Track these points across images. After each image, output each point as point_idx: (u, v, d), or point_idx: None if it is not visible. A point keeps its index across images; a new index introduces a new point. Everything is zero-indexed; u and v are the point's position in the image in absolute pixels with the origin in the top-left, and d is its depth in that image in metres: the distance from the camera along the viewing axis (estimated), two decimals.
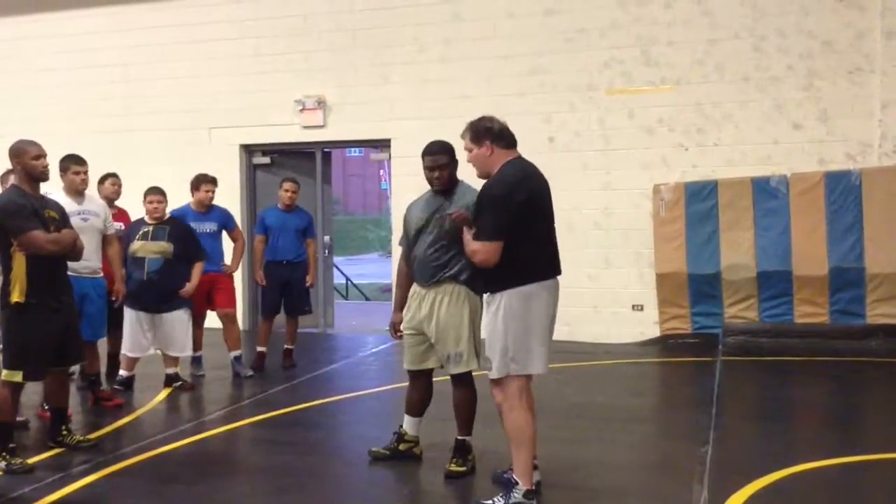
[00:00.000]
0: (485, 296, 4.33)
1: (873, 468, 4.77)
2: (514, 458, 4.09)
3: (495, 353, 4.03)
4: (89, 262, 5.92)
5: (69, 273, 5.29)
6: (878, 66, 8.44)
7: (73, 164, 5.99)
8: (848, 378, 7.34)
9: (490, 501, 4.04)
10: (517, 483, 4.04)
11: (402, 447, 4.88)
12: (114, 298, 6.30)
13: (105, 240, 6.17)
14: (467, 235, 4.12)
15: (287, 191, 7.73)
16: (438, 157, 4.56)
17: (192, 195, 7.32)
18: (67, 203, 5.76)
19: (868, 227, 8.21)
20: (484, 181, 4.16)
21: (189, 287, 6.77)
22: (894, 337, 8.15)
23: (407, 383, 4.91)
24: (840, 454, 4.89)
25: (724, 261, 8.63)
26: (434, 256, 4.55)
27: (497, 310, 4.02)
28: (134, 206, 7.13)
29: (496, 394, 4.11)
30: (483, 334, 4.19)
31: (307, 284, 7.81)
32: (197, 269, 6.83)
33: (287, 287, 7.71)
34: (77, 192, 6.00)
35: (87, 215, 5.98)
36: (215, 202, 7.46)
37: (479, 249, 3.99)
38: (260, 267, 7.77)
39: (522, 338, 3.98)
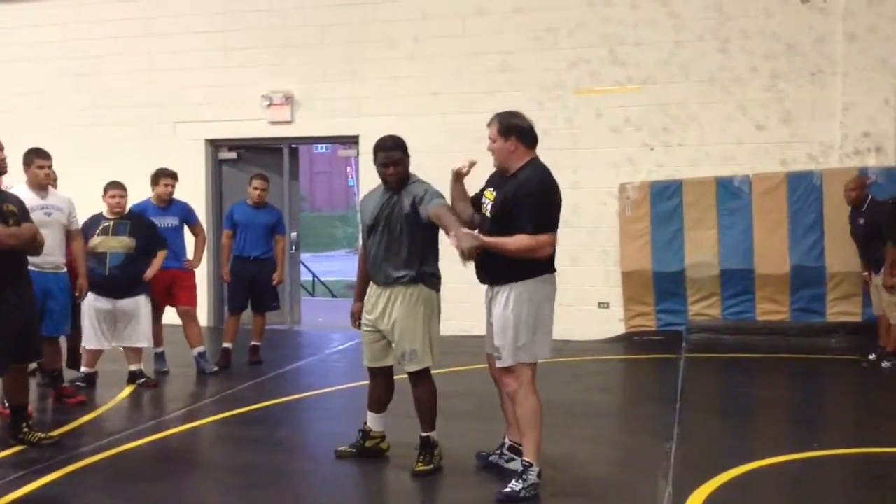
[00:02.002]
0: (485, 288, 4.38)
1: (832, 463, 4.87)
2: (526, 441, 4.23)
3: (507, 342, 4.18)
4: (52, 258, 5.81)
5: (32, 268, 5.21)
6: (840, 69, 8.59)
7: (37, 157, 5.89)
8: (808, 375, 7.48)
9: (509, 489, 4.15)
10: (530, 465, 4.18)
11: (368, 444, 4.87)
12: (77, 294, 6.20)
13: (69, 235, 6.08)
14: (503, 241, 4.14)
15: (256, 188, 7.66)
16: (392, 153, 4.52)
17: (152, 190, 7.26)
18: (31, 197, 5.69)
19: (828, 227, 8.36)
20: (517, 176, 4.22)
21: (150, 272, 6.78)
22: (853, 335, 8.30)
23: None
24: (801, 449, 4.98)
25: (688, 259, 8.74)
26: (385, 256, 4.54)
27: (507, 301, 4.17)
28: (97, 200, 7.01)
29: (509, 382, 4.25)
30: (496, 325, 4.24)
31: (274, 282, 7.76)
32: (159, 257, 6.85)
33: (254, 283, 7.65)
34: (41, 186, 5.90)
35: (50, 209, 5.88)
36: (178, 197, 7.39)
37: (546, 242, 4.14)
38: (227, 263, 7.71)
39: (531, 327, 4.17)
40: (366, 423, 4.89)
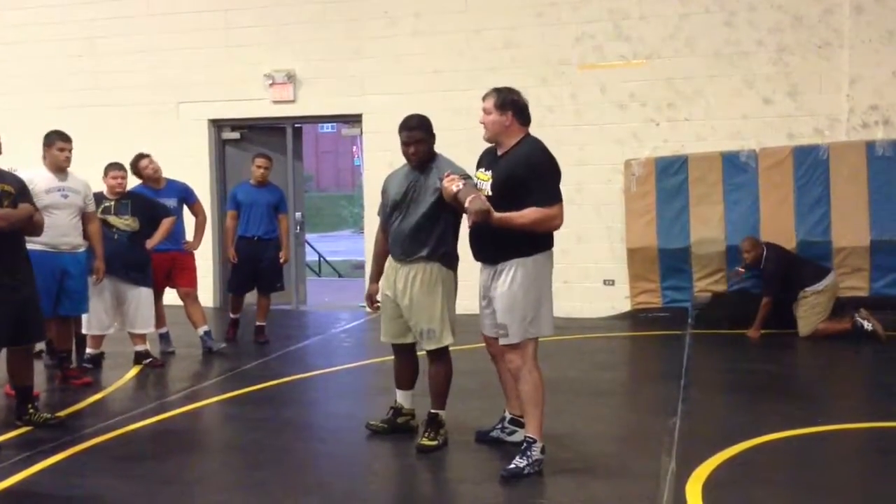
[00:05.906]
0: (482, 266, 4.35)
1: (836, 438, 4.87)
2: (529, 417, 4.23)
3: (514, 318, 4.16)
4: (69, 238, 5.89)
5: (48, 249, 5.23)
6: (847, 41, 8.49)
7: (58, 139, 5.91)
8: (814, 350, 7.45)
9: (513, 465, 4.14)
10: (534, 441, 4.18)
11: (399, 420, 4.90)
12: (94, 277, 6.21)
13: (85, 217, 6.09)
14: (514, 216, 4.09)
15: (259, 167, 7.66)
16: (414, 133, 4.54)
17: (132, 174, 7.02)
18: (49, 179, 5.77)
19: (835, 201, 8.29)
20: (514, 153, 4.23)
21: (156, 237, 6.77)
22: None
23: (380, 359, 4.92)
24: (805, 425, 4.97)
25: (693, 235, 8.69)
26: (406, 232, 4.55)
27: (512, 277, 4.16)
28: (98, 182, 6.99)
29: (514, 358, 4.23)
30: (502, 303, 4.20)
31: (281, 261, 7.76)
32: (165, 224, 6.84)
33: (258, 263, 7.66)
34: (60, 168, 5.93)
35: (67, 192, 5.92)
36: (175, 177, 7.37)
37: (557, 213, 4.12)
38: (232, 244, 7.71)
39: (536, 302, 4.18)
40: (396, 401, 4.92)
